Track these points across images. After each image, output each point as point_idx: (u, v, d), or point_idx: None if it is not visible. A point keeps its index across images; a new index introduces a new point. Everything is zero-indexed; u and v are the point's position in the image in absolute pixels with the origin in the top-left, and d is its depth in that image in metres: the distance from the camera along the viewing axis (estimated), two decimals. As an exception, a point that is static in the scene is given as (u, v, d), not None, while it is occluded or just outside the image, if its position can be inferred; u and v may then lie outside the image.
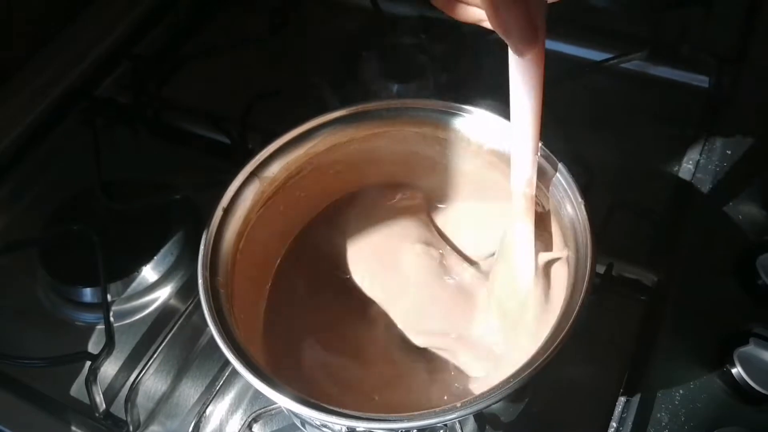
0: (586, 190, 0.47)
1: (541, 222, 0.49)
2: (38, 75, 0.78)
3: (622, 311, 0.57)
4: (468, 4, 0.39)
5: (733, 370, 0.50)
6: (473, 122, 0.51)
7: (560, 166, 0.47)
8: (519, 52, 0.38)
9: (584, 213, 0.45)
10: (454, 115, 0.51)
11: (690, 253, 0.58)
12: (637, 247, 0.61)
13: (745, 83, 0.69)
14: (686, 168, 0.65)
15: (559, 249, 0.47)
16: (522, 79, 0.41)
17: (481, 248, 0.56)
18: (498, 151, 0.50)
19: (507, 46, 0.38)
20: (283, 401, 0.39)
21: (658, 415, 0.50)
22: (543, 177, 0.47)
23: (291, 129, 0.51)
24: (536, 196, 0.47)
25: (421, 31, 0.73)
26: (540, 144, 0.46)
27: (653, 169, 0.67)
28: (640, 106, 0.73)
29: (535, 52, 0.39)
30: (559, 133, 0.53)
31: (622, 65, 0.73)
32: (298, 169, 0.52)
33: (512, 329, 0.49)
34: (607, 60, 0.73)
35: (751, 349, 0.51)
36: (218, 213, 0.47)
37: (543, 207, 0.49)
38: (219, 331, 0.42)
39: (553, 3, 0.40)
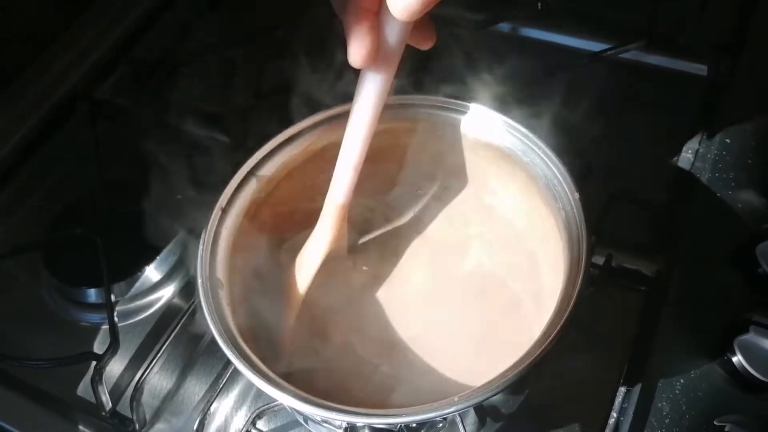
0: (584, 181, 0.47)
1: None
2: (38, 79, 0.78)
3: (621, 302, 0.57)
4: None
5: (734, 359, 0.51)
6: (469, 117, 0.51)
7: (556, 160, 0.47)
8: (352, 61, 0.39)
9: (579, 206, 0.45)
10: (450, 110, 0.51)
11: (689, 242, 0.58)
12: (637, 238, 0.61)
13: (744, 71, 0.68)
14: (685, 157, 0.65)
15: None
16: (360, 91, 0.42)
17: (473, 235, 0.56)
18: (493, 145, 0.51)
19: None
20: (283, 398, 0.40)
21: (659, 405, 0.50)
22: (539, 170, 0.47)
23: (287, 128, 0.51)
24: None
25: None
26: (534, 137, 0.46)
27: (652, 159, 0.67)
28: (638, 96, 0.72)
29: (376, 71, 0.40)
30: (556, 124, 0.53)
31: (620, 55, 0.73)
32: (296, 168, 0.52)
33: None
34: (604, 50, 0.73)
35: (752, 337, 0.51)
36: (216, 213, 0.48)
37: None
38: (219, 330, 0.42)
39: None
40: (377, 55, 0.39)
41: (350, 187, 0.47)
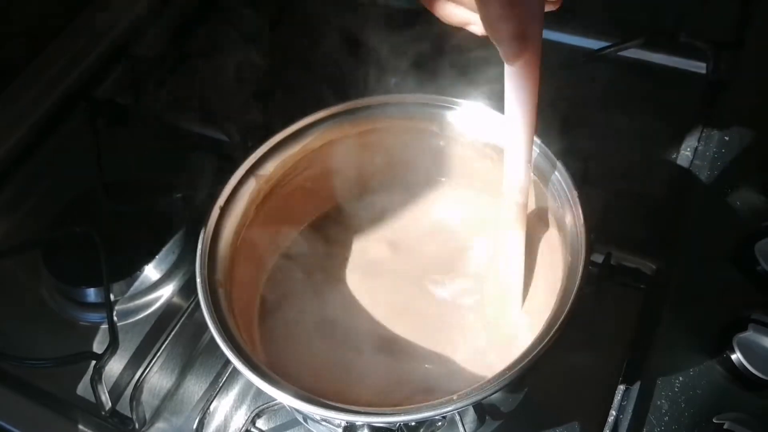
0: (582, 178, 0.47)
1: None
2: (38, 78, 0.78)
3: (621, 300, 0.58)
4: (459, 3, 0.38)
5: (733, 357, 0.50)
6: (467, 115, 0.51)
7: (554, 158, 0.47)
8: (508, 60, 0.38)
9: (578, 204, 0.45)
10: (448, 108, 0.51)
11: (689, 240, 0.58)
12: (636, 236, 0.61)
13: (743, 69, 0.68)
14: (684, 155, 0.65)
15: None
16: (514, 86, 0.40)
17: (473, 235, 0.56)
18: (491, 143, 0.51)
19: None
20: (282, 398, 0.40)
21: (658, 403, 0.50)
22: (538, 169, 0.47)
23: (285, 127, 0.51)
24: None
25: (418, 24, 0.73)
26: (535, 136, 0.46)
27: (651, 157, 0.67)
28: (637, 94, 0.72)
29: (528, 61, 0.38)
30: (556, 122, 0.53)
31: (619, 53, 0.73)
32: (294, 167, 0.52)
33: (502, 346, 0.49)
34: (604, 48, 0.73)
35: (751, 335, 0.51)
36: (215, 212, 0.48)
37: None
38: (218, 330, 0.42)
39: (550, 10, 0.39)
40: (527, 44, 0.36)
41: (527, 182, 0.45)
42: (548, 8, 0.39)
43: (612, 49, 0.73)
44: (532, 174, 0.46)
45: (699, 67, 0.72)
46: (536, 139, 0.48)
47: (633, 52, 0.74)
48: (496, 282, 0.50)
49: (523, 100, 0.40)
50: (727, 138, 0.63)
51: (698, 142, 0.65)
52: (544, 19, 0.37)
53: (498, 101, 0.51)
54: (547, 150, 0.48)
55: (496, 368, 0.40)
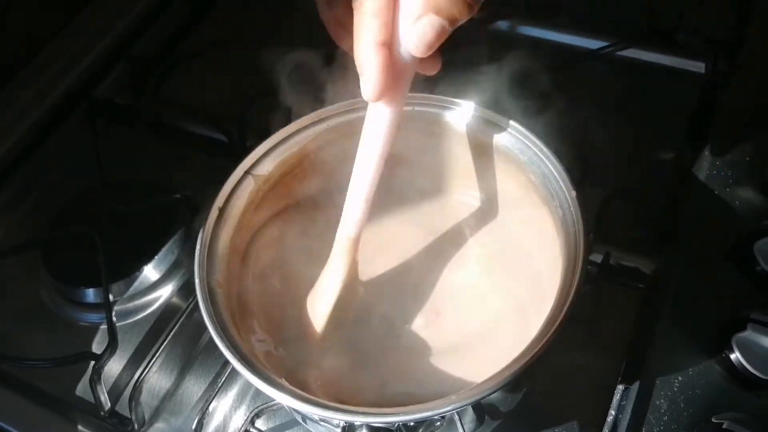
0: (581, 178, 0.47)
1: None
2: (37, 78, 0.78)
3: (620, 299, 0.58)
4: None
5: (732, 356, 0.50)
6: (466, 116, 0.51)
7: (553, 158, 0.47)
8: (365, 96, 0.39)
9: (576, 204, 0.45)
10: (446, 108, 0.51)
11: (688, 239, 0.58)
12: (635, 235, 0.61)
13: (742, 69, 0.68)
14: (683, 154, 0.65)
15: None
16: (370, 123, 0.42)
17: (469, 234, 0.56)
18: (490, 144, 0.51)
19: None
20: (281, 398, 0.40)
21: (657, 402, 0.50)
22: (536, 168, 0.47)
23: (284, 127, 0.51)
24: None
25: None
26: (531, 135, 0.46)
27: (650, 156, 0.67)
28: (636, 94, 0.72)
29: (387, 103, 0.39)
30: (554, 122, 0.53)
31: (618, 53, 0.73)
32: (293, 167, 0.52)
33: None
34: (602, 48, 0.73)
35: (750, 334, 0.50)
36: (213, 212, 0.48)
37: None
38: (217, 330, 0.42)
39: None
40: (390, 87, 0.38)
41: (362, 219, 0.46)
42: (427, 72, 0.42)
43: (610, 48, 0.73)
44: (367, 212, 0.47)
45: (697, 66, 0.72)
46: (536, 139, 0.48)
47: (631, 52, 0.74)
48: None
49: (375, 137, 0.42)
50: (725, 137, 0.63)
51: (697, 141, 0.64)
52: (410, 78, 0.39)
53: (496, 102, 0.52)
54: (546, 150, 0.48)
55: None
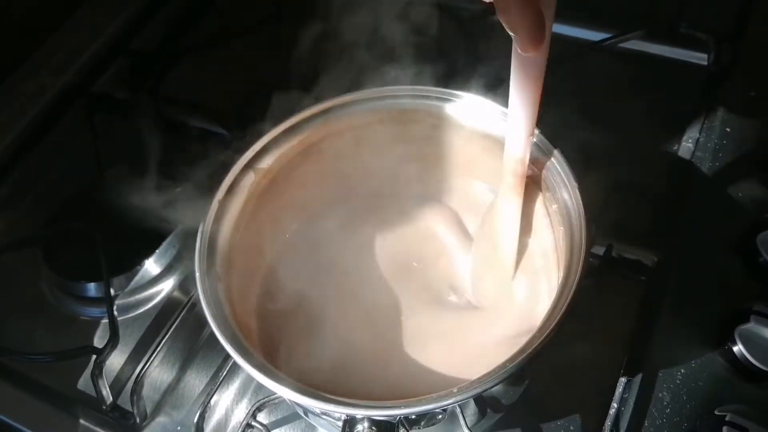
0: (583, 170, 0.46)
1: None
2: (36, 73, 0.78)
3: (622, 292, 0.57)
4: None
5: (735, 348, 0.50)
6: (466, 107, 0.51)
7: (555, 151, 0.47)
8: (524, 50, 0.38)
9: (578, 196, 0.44)
10: (447, 100, 0.51)
11: (690, 232, 0.58)
12: (637, 228, 0.60)
13: (744, 60, 0.68)
14: (685, 146, 0.65)
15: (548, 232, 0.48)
16: (522, 73, 0.41)
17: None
18: (491, 135, 0.50)
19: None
20: (282, 391, 0.40)
21: (660, 395, 0.50)
22: (537, 161, 0.47)
23: (284, 120, 0.51)
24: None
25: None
26: (535, 129, 0.46)
27: (652, 149, 0.67)
28: (638, 85, 0.72)
29: (540, 50, 0.39)
30: (556, 114, 0.53)
31: (620, 45, 0.73)
32: (293, 160, 0.52)
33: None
34: (604, 40, 0.73)
35: (752, 326, 0.51)
36: (214, 206, 0.47)
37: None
38: (217, 324, 0.42)
39: None
40: (544, 34, 0.38)
41: (526, 154, 0.46)
42: None
43: (612, 40, 0.72)
44: (531, 147, 0.47)
45: (700, 58, 0.72)
46: (536, 131, 0.48)
47: (633, 44, 0.74)
48: (489, 249, 0.51)
49: (530, 84, 0.42)
50: (728, 129, 0.63)
51: (699, 133, 0.64)
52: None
53: (497, 94, 0.52)
54: (547, 142, 0.47)
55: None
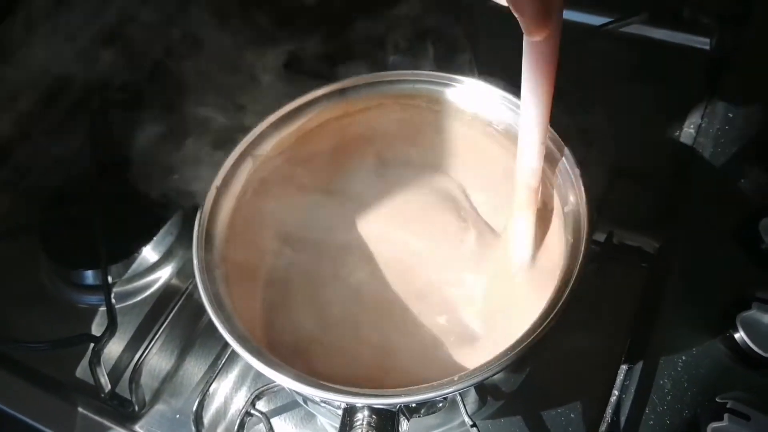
0: (585, 157, 0.46)
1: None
2: (34, 58, 0.77)
3: (623, 279, 0.57)
4: None
5: (736, 335, 0.50)
6: (466, 92, 0.50)
7: (556, 135, 0.46)
8: (529, 33, 0.37)
9: (580, 182, 0.44)
10: (447, 85, 0.51)
11: (692, 218, 0.57)
12: (638, 214, 0.60)
13: (747, 45, 0.67)
14: (687, 132, 0.65)
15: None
16: (532, 63, 0.39)
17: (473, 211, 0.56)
18: (493, 121, 0.50)
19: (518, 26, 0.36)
20: (282, 380, 0.39)
21: (661, 382, 0.50)
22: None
23: (282, 106, 0.50)
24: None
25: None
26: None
27: (654, 134, 0.66)
28: (640, 70, 0.72)
29: (548, 36, 0.37)
30: (557, 100, 0.52)
31: (622, 29, 0.72)
32: (291, 146, 0.51)
33: (494, 313, 0.49)
34: (606, 24, 0.72)
35: (754, 313, 0.50)
36: (212, 192, 0.47)
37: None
38: (215, 312, 0.42)
39: None
40: (551, 16, 0.36)
41: (539, 165, 0.44)
42: None
43: (614, 24, 0.72)
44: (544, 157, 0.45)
45: (702, 42, 0.72)
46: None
47: (635, 28, 0.73)
48: (504, 259, 0.50)
49: (540, 78, 0.40)
50: (730, 115, 0.62)
51: (701, 119, 0.64)
52: None
53: (498, 79, 0.51)
54: (549, 127, 0.47)
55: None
